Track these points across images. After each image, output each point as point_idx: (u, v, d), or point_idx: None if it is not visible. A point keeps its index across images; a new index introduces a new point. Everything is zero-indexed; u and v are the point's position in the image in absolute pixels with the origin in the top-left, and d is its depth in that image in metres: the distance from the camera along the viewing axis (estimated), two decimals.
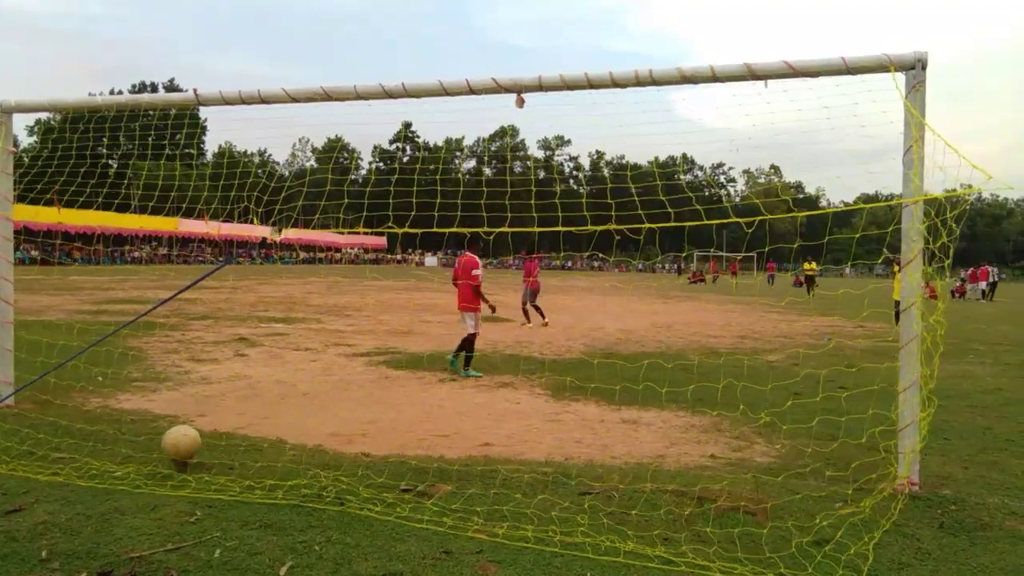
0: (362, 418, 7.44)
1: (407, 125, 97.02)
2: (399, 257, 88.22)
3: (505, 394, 8.86)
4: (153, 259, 63.81)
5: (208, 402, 8.02)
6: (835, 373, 9.83)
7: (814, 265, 34.40)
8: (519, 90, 6.19)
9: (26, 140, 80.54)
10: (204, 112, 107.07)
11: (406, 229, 6.58)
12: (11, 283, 7.61)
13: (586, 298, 28.92)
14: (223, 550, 3.92)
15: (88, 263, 54.37)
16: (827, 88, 5.57)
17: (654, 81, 5.82)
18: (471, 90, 6.30)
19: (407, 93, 6.43)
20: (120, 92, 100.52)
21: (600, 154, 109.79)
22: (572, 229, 6.18)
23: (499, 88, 6.19)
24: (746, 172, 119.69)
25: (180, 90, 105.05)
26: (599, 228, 6.03)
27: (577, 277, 37.09)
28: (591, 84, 5.95)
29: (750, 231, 5.55)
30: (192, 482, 5.03)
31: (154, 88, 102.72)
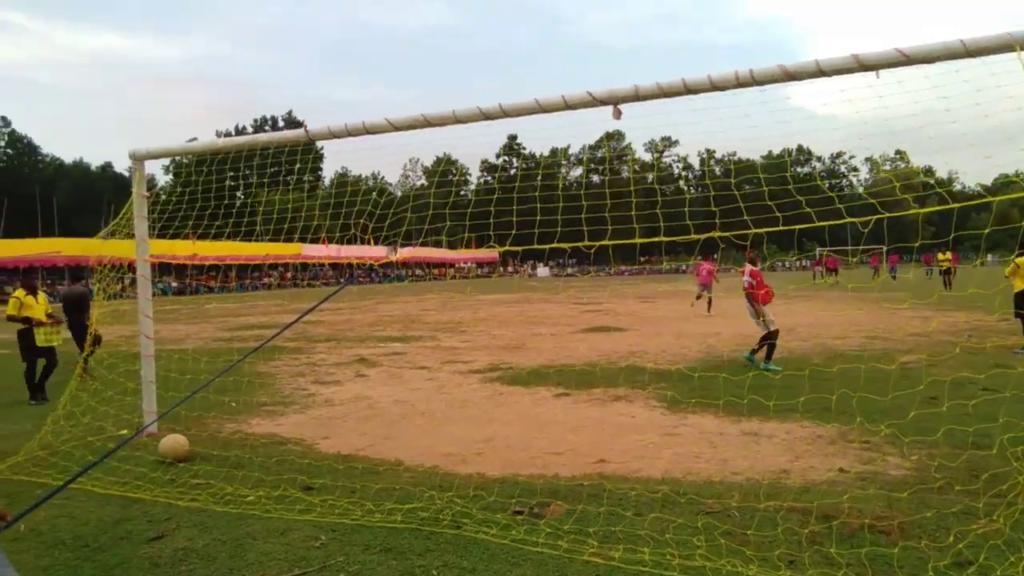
0: (477, 437, 7.54)
1: (512, 138, 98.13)
2: (511, 269, 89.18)
3: (619, 408, 8.76)
4: (281, 284, 67.32)
5: (331, 424, 8.36)
6: (976, 374, 9.15)
7: (948, 256, 32.19)
8: (615, 102, 6.13)
9: (162, 178, 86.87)
10: (320, 142, 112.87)
11: (531, 245, 6.64)
12: (151, 319, 8.21)
13: (701, 301, 28.25)
14: (346, 575, 4.06)
15: (222, 291, 57.97)
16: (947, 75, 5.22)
17: (755, 81, 5.62)
18: (567, 105, 6.30)
19: (504, 114, 6.51)
20: (244, 128, 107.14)
21: (710, 152, 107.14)
22: (725, 234, 6.04)
23: (595, 101, 6.16)
24: (868, 160, 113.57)
25: (297, 121, 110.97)
26: (764, 230, 5.87)
27: (689, 280, 36.24)
28: (689, 89, 5.82)
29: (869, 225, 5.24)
30: (317, 506, 5.25)
31: (274, 121, 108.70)
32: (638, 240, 6.59)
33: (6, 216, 63.04)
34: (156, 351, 8.18)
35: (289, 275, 69.34)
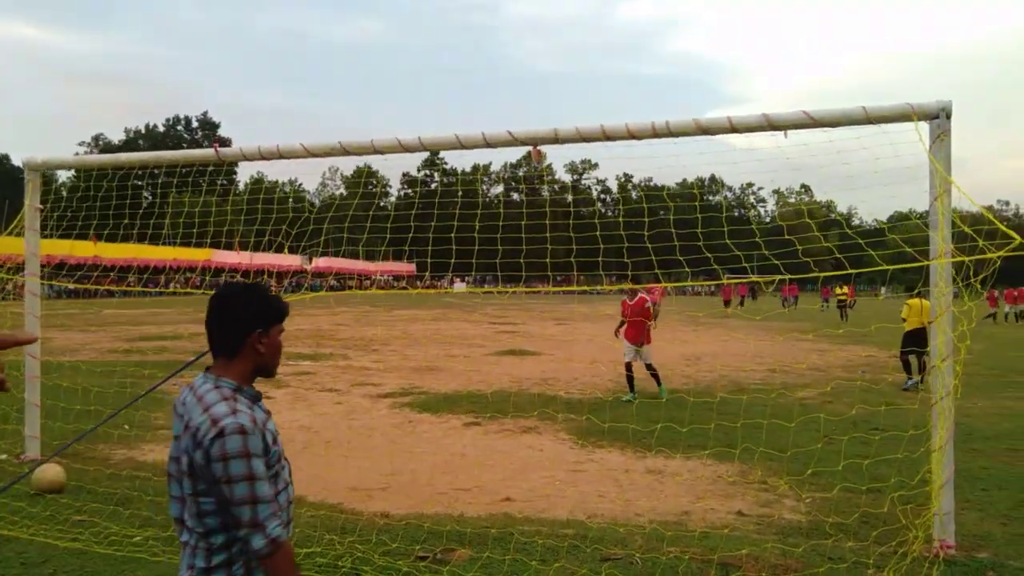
0: (383, 469, 7.38)
1: (434, 152, 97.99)
2: (428, 283, 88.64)
3: (529, 440, 8.76)
4: (188, 290, 64.88)
5: None
6: (868, 412, 9.60)
7: (846, 289, 33.75)
8: (535, 143, 6.17)
9: (63, 174, 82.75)
10: (237, 143, 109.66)
11: (451, 259, 6.57)
12: (38, 339, 7.71)
13: (613, 327, 28.72)
14: None
15: (125, 296, 55.38)
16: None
17: (671, 133, 5.76)
18: (487, 143, 6.30)
19: (423, 147, 6.47)
20: (155, 127, 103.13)
21: (628, 177, 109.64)
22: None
23: (515, 141, 6.18)
24: (776, 192, 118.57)
25: (212, 123, 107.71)
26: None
27: (607, 303, 36.83)
28: (607, 136, 5.91)
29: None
30: None
31: (187, 122, 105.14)
32: (574, 260, 6.63)
33: None
34: (46, 362, 7.70)
35: (197, 281, 66.95)
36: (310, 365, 15.71)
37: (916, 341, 13.00)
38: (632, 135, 5.85)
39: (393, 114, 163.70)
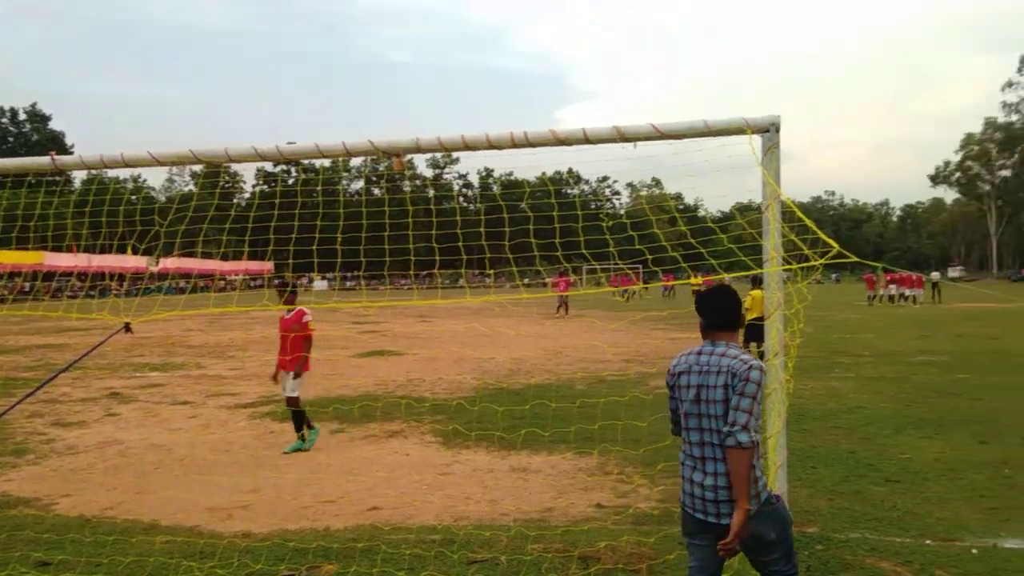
0: (243, 486, 7.16)
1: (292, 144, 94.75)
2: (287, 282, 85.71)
3: (395, 445, 8.76)
4: (16, 297, 59.47)
5: (74, 478, 7.53)
6: None
7: (701, 279, 35.67)
8: (397, 152, 6.17)
9: None
10: (70, 138, 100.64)
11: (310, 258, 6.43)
12: None
13: (476, 321, 29.03)
14: None
15: None
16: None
17: (529, 143, 5.92)
18: (348, 152, 6.24)
19: (282, 157, 6.30)
20: None
21: (489, 171, 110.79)
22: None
23: (376, 151, 6.14)
24: (629, 185, 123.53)
25: (43, 115, 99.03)
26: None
27: (467, 299, 37.13)
28: (467, 146, 6.00)
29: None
30: None
31: (13, 114, 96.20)
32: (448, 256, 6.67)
33: None
34: None
35: (27, 287, 61.45)
36: (160, 376, 14.90)
37: (756, 331, 14.07)
38: (492, 145, 5.96)
39: (242, 102, 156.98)
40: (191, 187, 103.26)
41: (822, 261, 4.88)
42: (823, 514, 5.89)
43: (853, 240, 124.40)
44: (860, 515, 5.84)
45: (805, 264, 5.15)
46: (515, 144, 5.96)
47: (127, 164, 6.62)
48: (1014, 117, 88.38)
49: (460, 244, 7.54)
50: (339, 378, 14.15)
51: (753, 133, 5.67)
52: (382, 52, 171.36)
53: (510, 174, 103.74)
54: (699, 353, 3.46)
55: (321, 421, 10.03)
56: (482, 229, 8.48)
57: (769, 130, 5.69)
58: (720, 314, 3.53)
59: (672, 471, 6.78)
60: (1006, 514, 5.77)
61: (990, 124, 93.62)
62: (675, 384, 3.52)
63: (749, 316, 14.41)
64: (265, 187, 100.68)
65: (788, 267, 5.32)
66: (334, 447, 8.76)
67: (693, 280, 37.01)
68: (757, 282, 14.55)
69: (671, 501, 6.21)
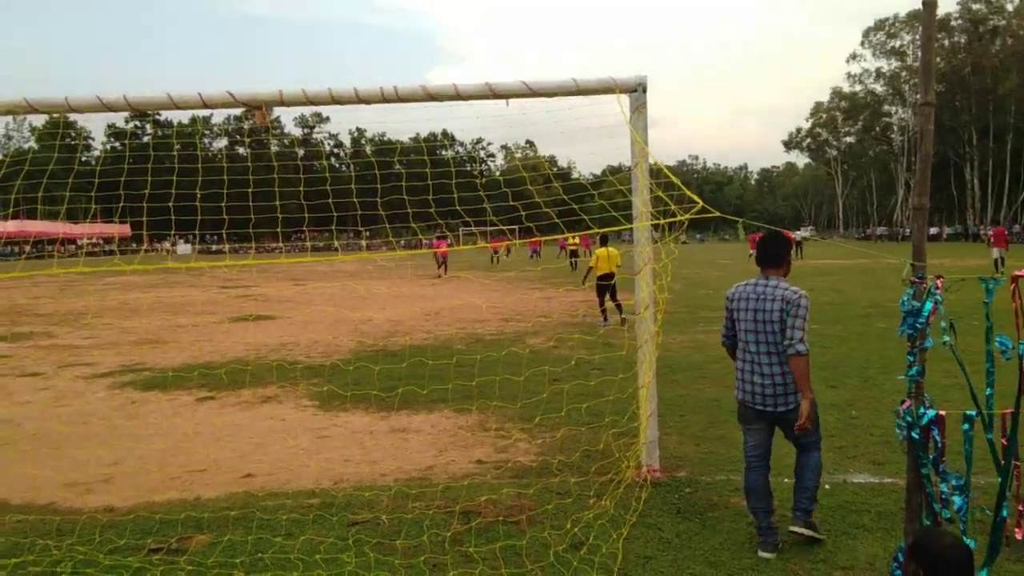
0: (104, 459, 6.75)
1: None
2: (147, 247, 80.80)
3: (269, 410, 8.50)
4: None
5: None
6: (589, 352, 10.60)
7: (577, 240, 36.50)
8: (259, 104, 5.89)
9: None
10: None
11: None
12: None
13: (353, 284, 28.47)
14: None
15: None
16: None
17: (399, 98, 5.78)
18: (204, 104, 5.88)
19: (130, 106, 5.85)
20: None
21: (361, 131, 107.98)
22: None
23: (236, 103, 5.83)
24: (504, 147, 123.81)
25: None
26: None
27: (345, 261, 36.23)
28: (335, 100, 5.78)
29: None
30: None
31: None
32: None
33: None
34: None
35: None
36: (5, 347, 13.74)
37: (605, 285, 14.80)
38: (361, 99, 5.78)
39: (92, 52, 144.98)
40: (31, 143, 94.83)
41: (688, 216, 5.07)
42: (691, 459, 6.21)
43: (715, 202, 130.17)
44: (724, 459, 6.20)
45: (672, 219, 5.34)
46: (385, 98, 5.80)
47: None
48: (857, 87, 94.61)
49: (331, 201, 7.32)
50: (207, 344, 13.55)
51: (621, 93, 5.77)
52: (240, 5, 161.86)
53: (383, 135, 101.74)
54: (755, 285, 4.45)
55: (188, 389, 9.61)
56: (353, 186, 8.28)
57: (637, 90, 5.81)
58: (773, 255, 4.48)
59: (548, 425, 6.98)
60: (852, 452, 6.29)
61: (836, 93, 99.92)
62: (733, 308, 4.57)
63: (597, 271, 15.08)
64: (117, 144, 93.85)
65: (657, 222, 5.51)
66: (203, 415, 8.39)
67: (571, 240, 37.56)
68: (604, 241, 15.30)
69: (549, 453, 6.38)
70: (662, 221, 5.48)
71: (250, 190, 7.63)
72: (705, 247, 73.73)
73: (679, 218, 5.14)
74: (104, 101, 5.78)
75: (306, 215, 7.45)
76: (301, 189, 8.51)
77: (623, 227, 6.28)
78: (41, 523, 5.11)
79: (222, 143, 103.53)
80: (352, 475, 6.13)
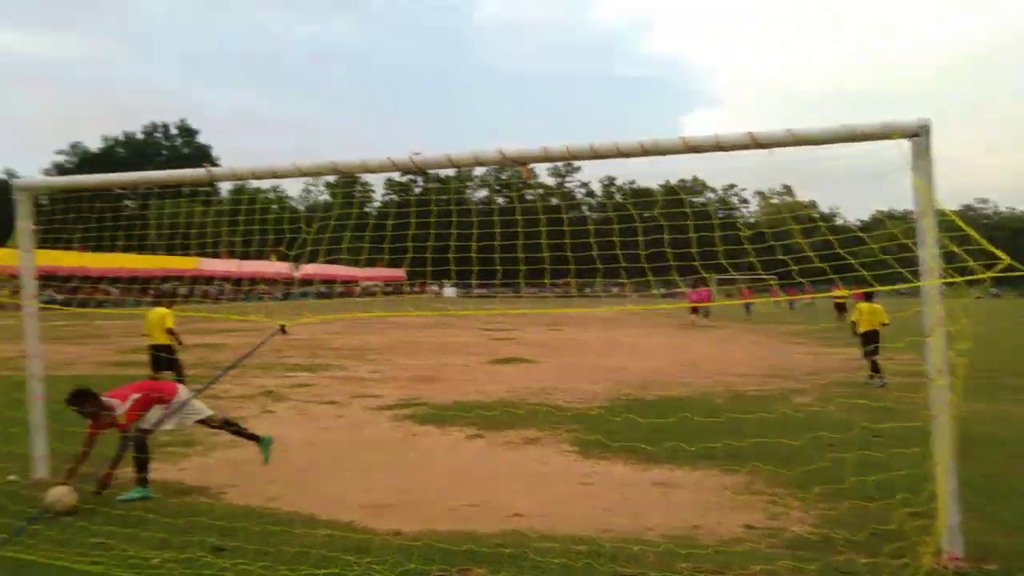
0: (393, 485, 7.43)
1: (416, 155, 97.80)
2: (417, 288, 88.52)
3: (533, 452, 8.82)
4: (175, 299, 64.47)
5: (239, 470, 8.05)
6: (869, 417, 9.73)
7: (846, 292, 33.91)
8: (525, 161, 6.27)
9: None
10: (216, 150, 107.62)
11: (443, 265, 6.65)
12: (39, 360, 7.73)
13: (608, 331, 28.86)
14: None
15: (115, 306, 55.03)
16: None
17: (659, 151, 5.83)
18: (478, 162, 6.43)
19: (415, 166, 6.54)
20: (134, 135, 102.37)
21: (611, 179, 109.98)
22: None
23: (505, 160, 6.25)
24: (759, 193, 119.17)
25: (191, 129, 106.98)
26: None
27: (600, 307, 36.82)
28: (596, 154, 6.00)
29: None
30: (229, 570, 5.04)
31: (166, 129, 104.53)
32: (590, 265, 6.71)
33: None
34: (42, 375, 7.71)
35: (184, 291, 66.51)
36: (308, 376, 15.72)
37: (869, 343, 13.52)
38: (622, 153, 5.93)
39: (369, 114, 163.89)
40: (325, 196, 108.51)
41: (991, 274, 4.51)
42: (1003, 550, 5.41)
43: (1012, 252, 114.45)
44: None
45: (973, 277, 4.80)
46: (645, 152, 5.87)
47: (275, 175, 7.13)
48: None
49: (594, 254, 7.54)
50: (474, 384, 14.44)
51: (901, 138, 5.30)
52: (498, 64, 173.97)
53: (632, 182, 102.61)
54: None
55: (459, 425, 10.27)
56: (615, 239, 8.41)
57: (919, 134, 5.30)
58: None
59: (827, 495, 6.46)
60: None
61: None
62: None
63: (860, 329, 13.87)
64: (395, 196, 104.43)
65: (952, 280, 4.95)
66: (473, 452, 8.92)
67: (838, 292, 35.15)
68: (868, 296, 14.40)
69: (828, 526, 5.91)
70: (958, 280, 4.92)
71: (516, 241, 8.10)
72: (1001, 303, 64.73)
73: (980, 276, 4.61)
74: (395, 162, 6.50)
75: (572, 267, 7.74)
76: (566, 241, 8.87)
77: (913, 283, 5.70)
78: (343, 539, 5.72)
79: (482, 193, 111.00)
80: (616, 525, 6.13)
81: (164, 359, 12.51)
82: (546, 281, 7.76)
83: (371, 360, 19.04)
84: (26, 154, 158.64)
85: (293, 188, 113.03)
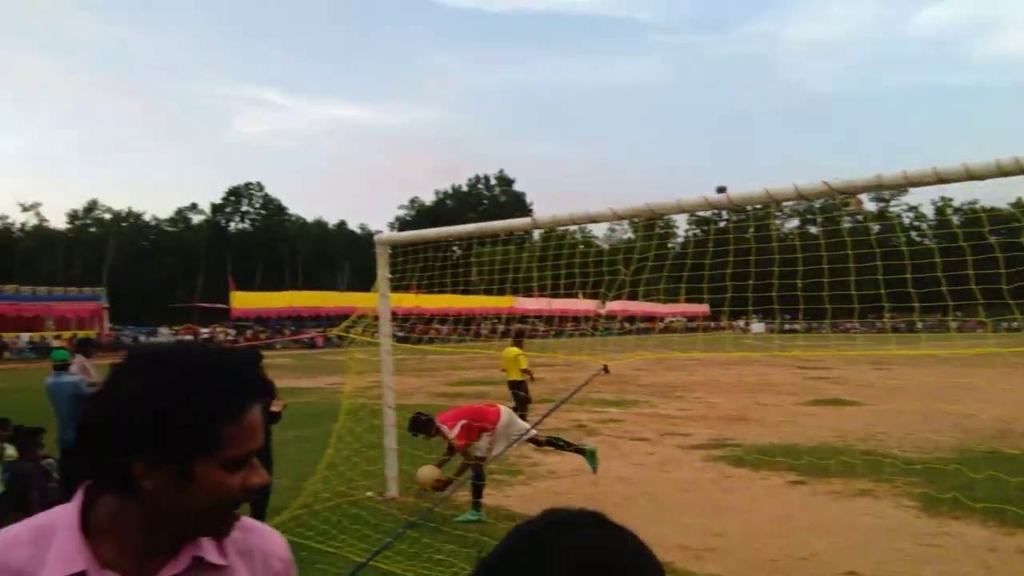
0: (709, 528, 7.23)
1: (720, 190, 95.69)
2: (722, 324, 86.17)
3: (865, 505, 8.03)
4: (492, 335, 69.85)
5: (558, 500, 8.40)
6: None
7: None
8: (854, 191, 5.82)
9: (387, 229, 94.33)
10: (529, 196, 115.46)
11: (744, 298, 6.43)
12: (393, 391, 8.84)
13: (946, 371, 25.43)
14: None
15: (443, 343, 61.35)
16: None
17: (1020, 170, 5.02)
18: (800, 196, 6.11)
19: (732, 204, 6.40)
20: (459, 187, 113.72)
21: (947, 201, 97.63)
22: None
23: (831, 191, 5.86)
24: None
25: (508, 179, 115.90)
26: None
27: (933, 343, 32.76)
28: (940, 179, 5.35)
29: None
30: None
31: (487, 180, 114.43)
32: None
33: (262, 271, 71.33)
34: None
35: (502, 327, 71.92)
36: (617, 412, 16.02)
37: None
38: (972, 176, 5.20)
39: (670, 151, 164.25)
40: (629, 235, 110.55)
41: None
42: None
43: None
44: None
45: None
46: (1002, 171, 5.09)
47: (592, 220, 7.41)
48: None
49: (924, 278, 6.70)
50: (790, 425, 13.61)
51: None
52: (807, 86, 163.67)
53: (974, 202, 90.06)
54: None
55: (777, 470, 9.72)
56: (937, 259, 7.41)
57: None
58: None
59: None
60: None
61: None
62: None
63: None
64: (697, 231, 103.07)
65: None
66: (795, 500, 8.37)
67: None
68: None
69: None
70: None
71: (824, 267, 7.51)
72: None
73: None
74: (710, 201, 6.43)
75: (915, 303, 6.97)
76: (877, 263, 8.06)
77: None
78: None
79: (793, 223, 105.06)
80: None
81: (520, 395, 13.55)
82: (886, 318, 7.05)
83: (679, 397, 18.85)
84: (375, 209, 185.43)
85: (598, 228, 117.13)
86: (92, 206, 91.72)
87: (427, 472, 7.77)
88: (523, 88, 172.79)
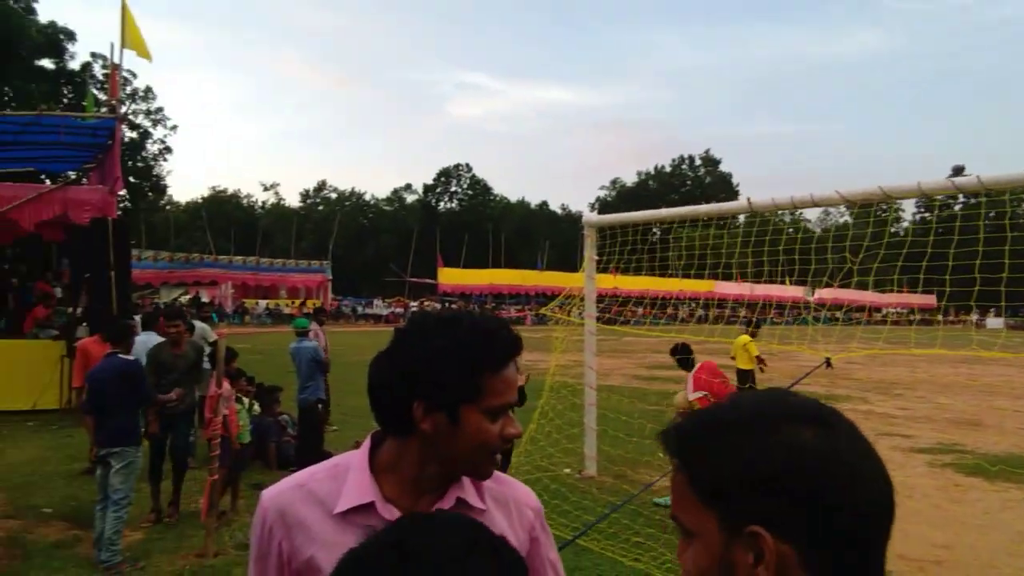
0: (934, 539, 6.65)
1: (958, 170, 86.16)
2: (952, 318, 78.03)
3: None
4: (689, 319, 68.32)
5: None
6: None
7: None
8: None
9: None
10: (736, 178, 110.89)
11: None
12: (595, 372, 8.92)
13: None
14: None
15: (639, 324, 60.92)
16: None
17: None
18: None
19: (984, 187, 5.72)
20: (662, 167, 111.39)
21: None
22: None
23: None
24: None
25: (715, 159, 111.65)
26: None
27: None
28: None
29: None
30: None
31: (691, 160, 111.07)
32: None
33: (467, 248, 74.40)
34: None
35: (700, 312, 69.95)
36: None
37: None
38: None
39: (892, 129, 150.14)
40: (846, 218, 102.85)
41: None
42: None
43: None
44: None
45: None
46: None
47: (816, 204, 6.95)
48: None
49: None
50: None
51: None
52: None
53: None
54: None
55: (1015, 483, 8.74)
56: None
57: None
58: None
59: None
60: None
61: None
62: None
63: None
64: (927, 214, 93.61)
65: None
66: None
67: None
68: None
69: None
70: None
71: None
72: None
73: None
74: (957, 185, 5.83)
75: None
76: None
77: None
78: None
79: None
80: None
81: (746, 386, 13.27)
82: None
83: (899, 395, 17.38)
84: (576, 190, 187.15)
85: (810, 211, 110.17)
86: (321, 186, 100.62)
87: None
88: (736, 65, 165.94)
